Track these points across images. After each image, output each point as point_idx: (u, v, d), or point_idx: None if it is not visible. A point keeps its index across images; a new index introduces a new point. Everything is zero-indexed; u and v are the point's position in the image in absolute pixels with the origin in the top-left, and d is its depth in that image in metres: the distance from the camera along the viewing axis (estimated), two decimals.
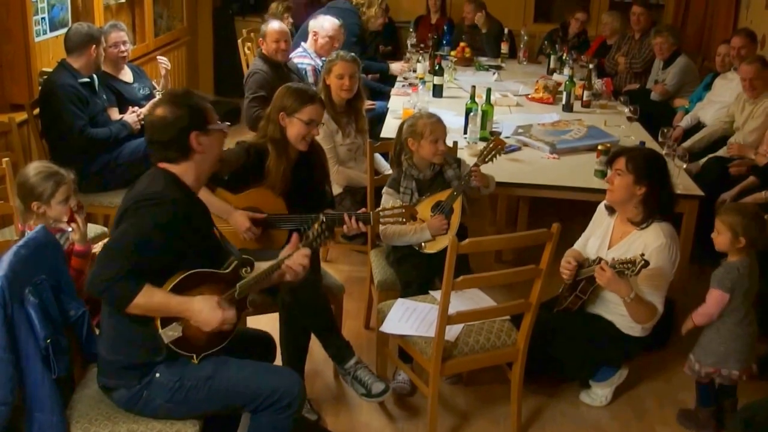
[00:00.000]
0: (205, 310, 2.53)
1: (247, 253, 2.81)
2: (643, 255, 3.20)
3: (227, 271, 2.66)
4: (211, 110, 2.72)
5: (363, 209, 3.52)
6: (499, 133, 4.87)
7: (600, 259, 3.39)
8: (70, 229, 3.25)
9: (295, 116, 3.49)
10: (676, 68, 6.53)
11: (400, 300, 3.50)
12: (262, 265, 2.76)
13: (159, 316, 2.52)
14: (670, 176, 3.54)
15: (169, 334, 2.53)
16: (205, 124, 2.66)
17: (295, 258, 2.77)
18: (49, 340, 2.55)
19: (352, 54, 4.65)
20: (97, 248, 3.58)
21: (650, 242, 3.37)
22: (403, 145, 3.77)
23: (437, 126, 3.71)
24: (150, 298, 2.45)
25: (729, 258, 3.36)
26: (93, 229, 4.09)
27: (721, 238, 3.34)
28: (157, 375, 2.59)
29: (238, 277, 2.67)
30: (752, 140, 5.07)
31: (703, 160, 5.23)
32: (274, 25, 5.34)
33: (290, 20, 6.86)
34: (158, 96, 4.93)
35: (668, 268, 3.42)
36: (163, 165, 2.67)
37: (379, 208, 3.37)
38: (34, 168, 3.25)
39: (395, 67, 6.24)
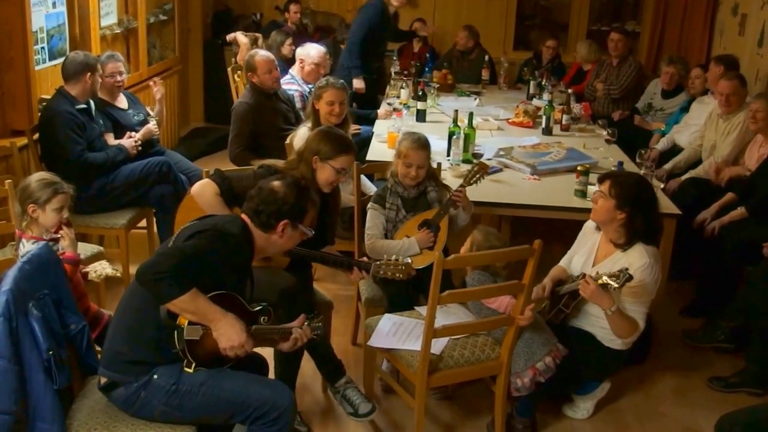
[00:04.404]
0: (235, 326, 2.67)
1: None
2: (627, 269, 3.28)
3: (252, 310, 2.82)
4: (311, 216, 3.00)
5: (364, 258, 3.59)
6: (481, 155, 5.02)
7: (584, 275, 3.45)
8: (59, 236, 3.39)
9: (328, 162, 3.54)
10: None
11: (387, 315, 3.58)
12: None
13: (192, 318, 2.64)
14: (657, 207, 3.61)
15: (192, 331, 2.65)
16: (299, 222, 2.92)
17: (304, 331, 2.94)
18: (51, 353, 2.62)
19: (341, 81, 4.78)
20: (90, 267, 3.73)
21: (634, 261, 3.42)
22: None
23: (414, 153, 3.77)
24: (194, 299, 2.59)
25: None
26: (89, 248, 4.21)
27: (463, 248, 3.60)
28: (155, 376, 2.69)
29: (256, 320, 2.83)
30: (729, 152, 5.21)
31: (684, 177, 5.37)
32: (261, 56, 5.31)
33: (293, 48, 6.95)
34: (152, 122, 5.06)
35: (651, 285, 3.48)
36: (246, 218, 2.88)
37: (381, 262, 3.40)
38: (38, 175, 3.42)
39: (380, 112, 6.41)
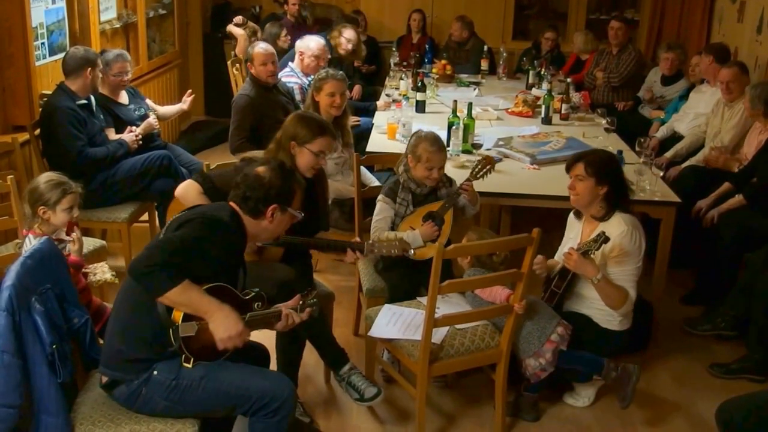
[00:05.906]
0: (231, 317, 2.66)
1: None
2: (603, 232, 3.42)
3: (245, 297, 2.81)
4: (299, 197, 2.95)
5: (356, 239, 3.58)
6: (481, 146, 5.03)
7: None
8: (70, 239, 3.41)
9: (305, 146, 3.55)
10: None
11: (386, 305, 3.61)
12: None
13: (186, 311, 2.63)
14: (623, 172, 3.75)
15: (186, 328, 2.65)
16: (288, 205, 2.90)
17: (300, 315, 2.94)
18: (54, 346, 2.65)
19: (341, 72, 4.79)
20: (91, 268, 3.74)
21: (613, 231, 3.53)
22: (406, 155, 3.87)
23: (435, 156, 3.75)
24: (186, 291, 2.58)
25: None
26: (90, 242, 4.22)
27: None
28: (155, 373, 2.70)
29: (250, 307, 2.82)
30: (729, 138, 5.22)
31: (683, 165, 5.38)
32: (259, 48, 5.36)
33: (288, 39, 6.96)
34: (152, 116, 5.07)
35: (634, 251, 3.57)
36: (234, 205, 2.87)
37: (373, 240, 3.43)
38: (46, 176, 3.43)
39: (380, 103, 6.40)
